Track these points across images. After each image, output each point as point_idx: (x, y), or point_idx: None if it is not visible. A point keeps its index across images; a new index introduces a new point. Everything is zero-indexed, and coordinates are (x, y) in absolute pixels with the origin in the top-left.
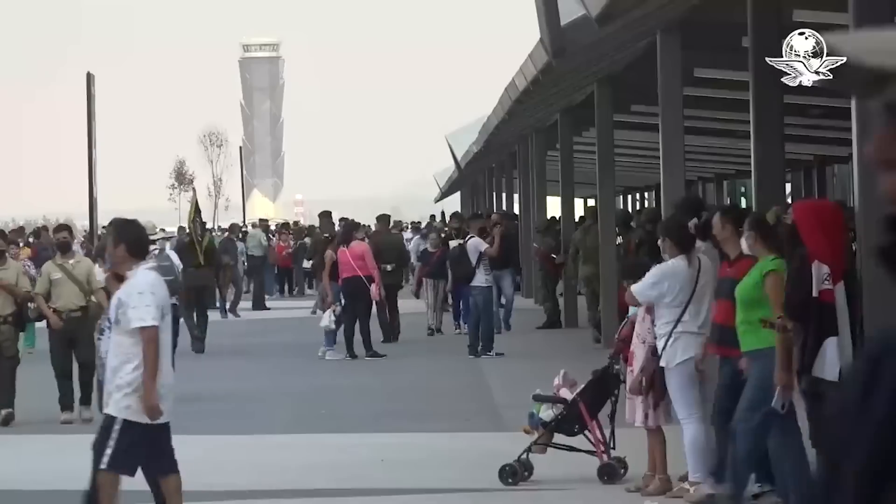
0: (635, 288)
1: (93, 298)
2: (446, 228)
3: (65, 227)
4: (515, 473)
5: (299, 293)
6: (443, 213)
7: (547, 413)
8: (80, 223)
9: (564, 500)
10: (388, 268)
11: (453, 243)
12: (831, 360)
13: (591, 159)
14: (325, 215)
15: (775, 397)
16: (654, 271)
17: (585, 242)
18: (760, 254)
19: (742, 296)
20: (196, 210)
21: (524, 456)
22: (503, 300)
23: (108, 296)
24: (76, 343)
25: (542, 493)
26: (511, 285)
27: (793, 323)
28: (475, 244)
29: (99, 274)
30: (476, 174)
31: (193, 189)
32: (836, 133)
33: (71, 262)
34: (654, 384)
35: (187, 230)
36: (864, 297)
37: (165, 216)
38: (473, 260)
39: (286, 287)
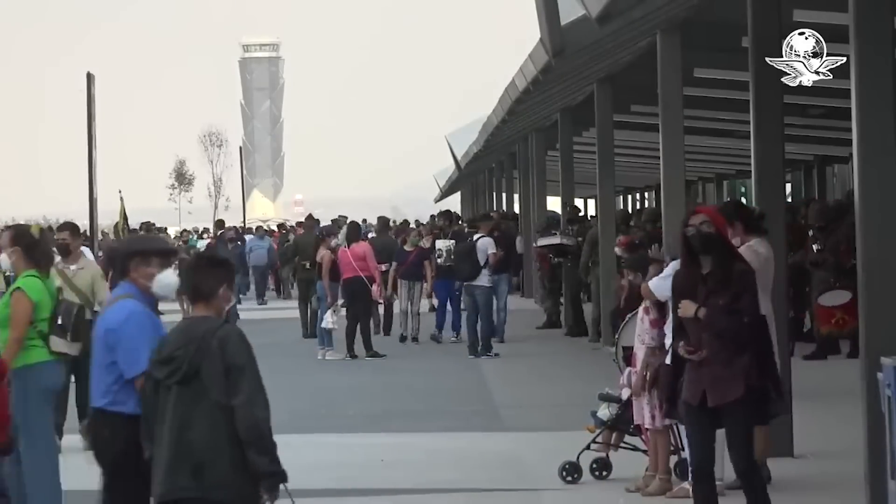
0: (652, 283)
1: (97, 310)
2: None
3: (67, 227)
4: (576, 471)
5: (285, 296)
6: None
7: (604, 412)
8: (80, 223)
9: (564, 500)
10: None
11: (441, 244)
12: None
13: (591, 159)
14: (310, 218)
15: None
16: (671, 265)
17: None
18: (20, 269)
19: None
20: (123, 217)
21: (596, 455)
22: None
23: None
24: (78, 366)
25: (541, 493)
26: (506, 291)
27: (723, 346)
28: (486, 245)
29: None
30: (476, 174)
31: (121, 198)
32: (836, 133)
33: (72, 267)
34: (658, 381)
35: (112, 236)
36: (863, 299)
37: (165, 216)
38: (482, 260)
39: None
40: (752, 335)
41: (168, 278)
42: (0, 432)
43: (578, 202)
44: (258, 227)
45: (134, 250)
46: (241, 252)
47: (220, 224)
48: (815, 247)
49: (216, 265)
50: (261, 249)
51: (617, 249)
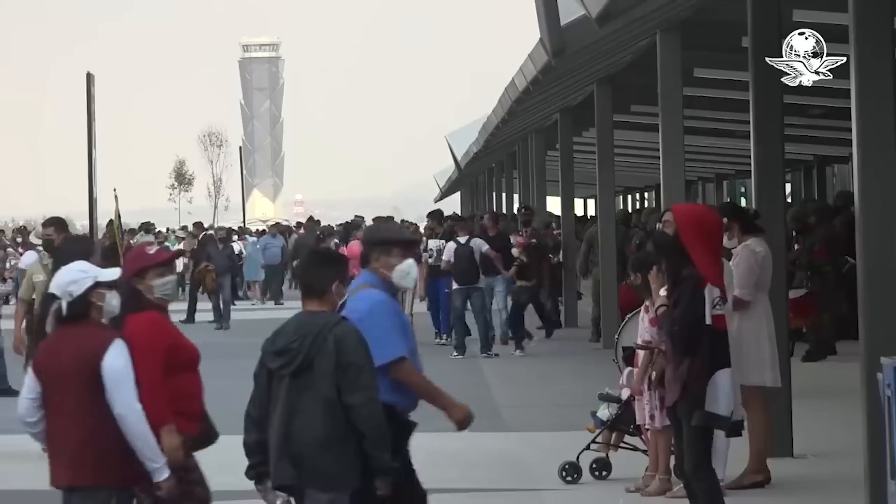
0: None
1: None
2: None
3: (53, 223)
4: (576, 471)
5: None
6: (455, 214)
7: (604, 412)
8: (80, 223)
9: (564, 500)
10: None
11: (432, 243)
12: (726, 393)
13: (591, 159)
14: (310, 220)
15: None
16: None
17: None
18: None
19: None
20: (117, 217)
21: (594, 455)
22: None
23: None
24: None
25: (541, 493)
26: (504, 291)
27: (672, 350)
28: (478, 245)
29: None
30: (476, 174)
31: (116, 197)
32: (836, 133)
33: None
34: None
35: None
36: (863, 299)
37: (165, 216)
38: (478, 260)
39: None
40: (693, 341)
41: (409, 268)
42: (192, 422)
43: (578, 202)
44: (273, 226)
45: (375, 240)
46: (229, 254)
47: (199, 226)
48: (795, 247)
49: (329, 261)
50: (275, 248)
51: (514, 251)
